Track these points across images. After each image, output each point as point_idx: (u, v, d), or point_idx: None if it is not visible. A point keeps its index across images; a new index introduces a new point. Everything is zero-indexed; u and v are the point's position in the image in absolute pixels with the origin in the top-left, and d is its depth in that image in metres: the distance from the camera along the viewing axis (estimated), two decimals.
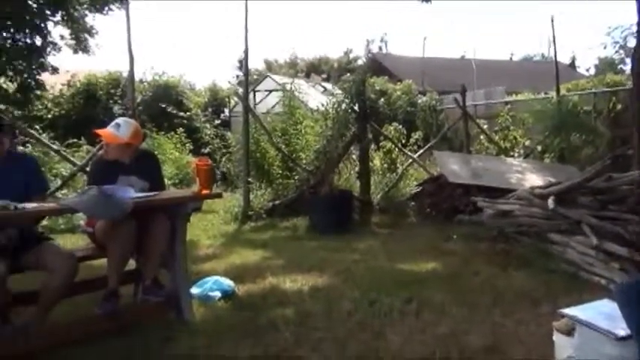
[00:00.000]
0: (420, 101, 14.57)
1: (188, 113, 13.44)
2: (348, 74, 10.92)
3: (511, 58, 37.61)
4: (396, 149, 9.56)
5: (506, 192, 6.16)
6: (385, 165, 9.45)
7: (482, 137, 10.62)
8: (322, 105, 7.96)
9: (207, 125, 11.29)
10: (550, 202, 4.84)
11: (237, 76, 30.31)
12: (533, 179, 7.14)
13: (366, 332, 3.33)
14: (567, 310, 2.75)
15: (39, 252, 3.07)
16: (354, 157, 8.05)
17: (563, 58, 30.26)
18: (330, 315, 3.63)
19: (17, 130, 7.40)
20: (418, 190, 7.92)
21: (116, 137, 3.46)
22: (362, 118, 7.69)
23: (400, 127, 10.43)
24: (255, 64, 33.17)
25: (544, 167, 8.19)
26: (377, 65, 21.95)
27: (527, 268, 4.66)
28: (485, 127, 10.73)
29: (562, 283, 4.20)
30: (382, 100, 14.88)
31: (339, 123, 7.49)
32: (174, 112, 13.12)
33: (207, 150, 12.00)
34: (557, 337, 2.79)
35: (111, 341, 3.17)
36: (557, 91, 9.96)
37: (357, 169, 8.07)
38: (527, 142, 10.28)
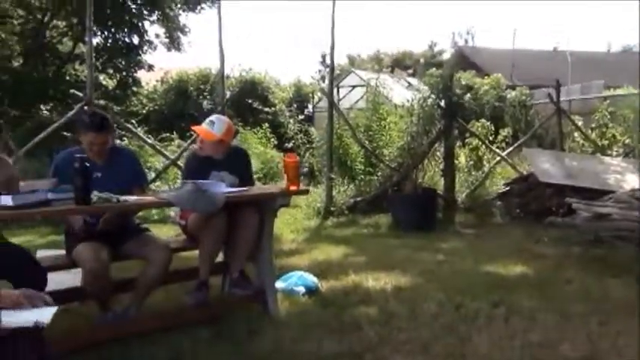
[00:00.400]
0: (508, 96, 14.02)
1: (273, 108, 13.73)
2: (434, 69, 10.72)
3: (609, 50, 35.32)
4: (483, 146, 9.24)
5: (603, 194, 5.81)
6: (471, 162, 9.14)
7: (576, 134, 10.04)
8: (408, 101, 7.83)
9: (291, 120, 11.47)
10: None
11: (319, 71, 30.61)
12: (634, 180, 6.67)
13: (451, 336, 3.25)
14: None
15: (138, 242, 3.25)
16: (438, 154, 7.89)
17: None
18: (414, 316, 3.57)
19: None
20: (506, 189, 7.63)
21: (210, 134, 3.59)
22: (448, 115, 7.50)
23: (487, 123, 10.06)
24: (338, 59, 33.30)
25: None
26: (463, 59, 21.37)
27: (626, 275, 4.36)
28: (580, 123, 10.15)
29: None
30: (468, 95, 14.46)
31: (425, 119, 7.37)
32: (260, 107, 13.44)
33: (290, 145, 12.22)
34: None
35: (200, 330, 3.28)
36: None
37: (441, 166, 7.90)
38: (628, 140, 9.61)
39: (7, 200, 2.50)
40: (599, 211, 5.30)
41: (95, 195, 2.73)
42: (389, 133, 8.52)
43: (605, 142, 9.65)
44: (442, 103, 7.52)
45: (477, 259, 5.15)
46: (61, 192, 2.71)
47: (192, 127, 3.79)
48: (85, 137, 3.17)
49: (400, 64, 31.29)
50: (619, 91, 13.06)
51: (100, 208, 2.78)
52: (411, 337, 3.22)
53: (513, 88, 14.57)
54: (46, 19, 12.02)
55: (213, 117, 3.70)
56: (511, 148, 9.37)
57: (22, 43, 11.97)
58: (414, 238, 6.18)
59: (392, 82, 11.63)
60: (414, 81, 15.03)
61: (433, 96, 7.54)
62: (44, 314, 1.80)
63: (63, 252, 3.42)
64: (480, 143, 9.22)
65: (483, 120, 10.30)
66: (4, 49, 11.15)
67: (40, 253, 3.91)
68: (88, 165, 2.66)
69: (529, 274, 4.67)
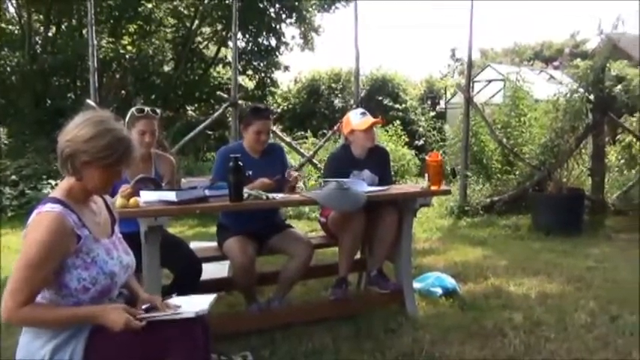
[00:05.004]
0: None
1: (404, 105, 13.61)
2: (579, 59, 9.92)
3: None
4: (638, 143, 8.39)
5: None
6: (622, 161, 8.38)
7: None
8: (554, 95, 7.31)
9: (423, 117, 11.30)
10: None
11: (449, 66, 29.71)
12: None
13: (607, 351, 3.00)
14: None
15: (282, 237, 3.39)
16: (585, 151, 7.32)
17: None
18: (563, 326, 3.35)
19: None
20: None
21: (368, 121, 3.60)
22: (599, 109, 6.94)
23: None
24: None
25: None
26: (611, 47, 19.55)
27: None
28: None
29: None
30: (619, 87, 13.19)
31: (571, 114, 6.85)
32: (391, 104, 13.39)
33: (421, 142, 12.04)
34: None
35: (340, 326, 3.34)
36: None
37: (589, 165, 7.33)
38: None
39: (171, 196, 2.73)
40: None
41: (246, 192, 2.89)
42: (529, 129, 8.07)
43: None
44: (591, 97, 6.97)
45: (632, 267, 4.70)
46: (217, 189, 2.92)
47: (342, 125, 3.79)
48: (253, 127, 3.37)
49: (538, 55, 29.43)
50: None
51: (251, 205, 2.93)
52: (560, 348, 3.03)
53: None
54: (194, 26, 12.97)
55: (359, 110, 3.73)
56: None
57: (173, 50, 13.04)
58: (559, 242, 5.81)
59: (532, 75, 10.98)
60: (556, 73, 14.02)
61: (581, 89, 6.99)
62: (203, 303, 1.95)
63: (213, 244, 3.64)
64: (635, 140, 8.40)
65: (638, 114, 9.35)
66: (158, 55, 12.19)
67: (193, 245, 4.20)
68: (241, 164, 2.81)
69: None
